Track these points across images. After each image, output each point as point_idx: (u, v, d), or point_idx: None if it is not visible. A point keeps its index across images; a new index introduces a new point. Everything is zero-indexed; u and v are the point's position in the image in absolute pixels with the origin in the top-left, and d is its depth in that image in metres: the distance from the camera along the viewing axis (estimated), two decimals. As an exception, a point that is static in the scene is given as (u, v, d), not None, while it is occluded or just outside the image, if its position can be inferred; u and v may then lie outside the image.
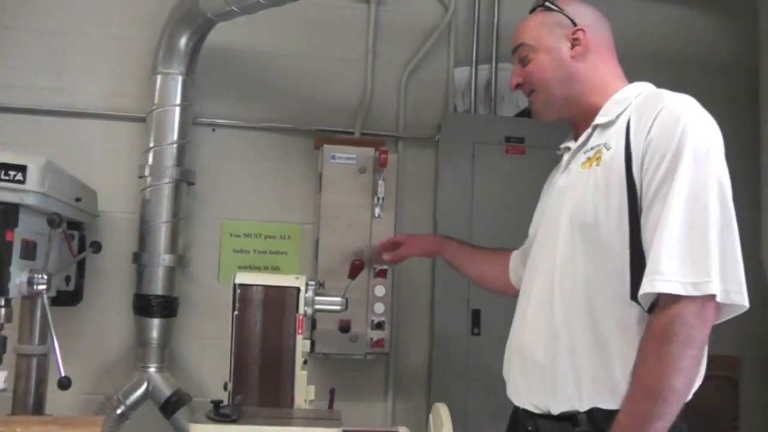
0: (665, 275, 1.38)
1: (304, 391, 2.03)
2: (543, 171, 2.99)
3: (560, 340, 1.54)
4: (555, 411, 1.55)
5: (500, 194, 2.95)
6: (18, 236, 1.87)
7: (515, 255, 2.08)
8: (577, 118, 1.71)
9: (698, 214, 1.40)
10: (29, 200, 1.86)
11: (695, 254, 1.38)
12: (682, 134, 1.44)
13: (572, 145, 1.70)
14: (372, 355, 2.84)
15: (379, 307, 2.79)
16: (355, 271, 2.34)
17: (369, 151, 2.82)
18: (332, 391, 2.31)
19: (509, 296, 2.05)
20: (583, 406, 1.51)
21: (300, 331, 2.03)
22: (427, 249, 2.35)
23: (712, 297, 1.37)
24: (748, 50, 3.17)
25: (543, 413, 1.58)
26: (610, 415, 1.47)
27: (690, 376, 1.38)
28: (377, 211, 2.79)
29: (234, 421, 1.72)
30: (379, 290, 2.79)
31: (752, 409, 3.12)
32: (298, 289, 2.06)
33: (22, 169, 1.84)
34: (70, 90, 2.88)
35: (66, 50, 2.89)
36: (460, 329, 2.88)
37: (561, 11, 1.71)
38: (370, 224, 2.78)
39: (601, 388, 1.50)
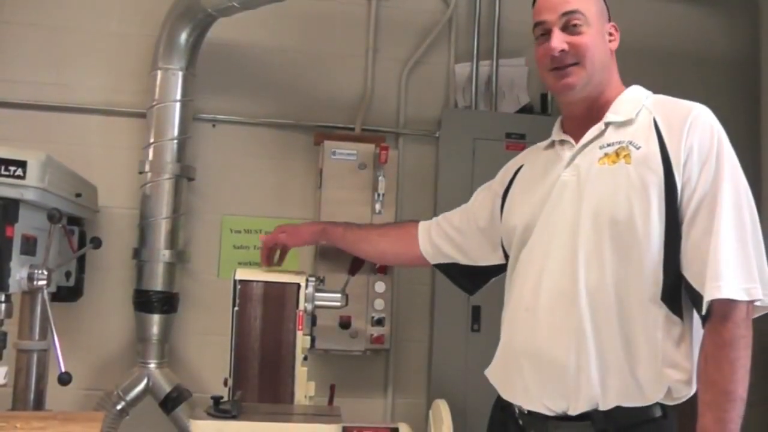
0: (727, 281, 1.44)
1: (304, 387, 2.03)
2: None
3: (586, 338, 1.52)
4: (574, 412, 1.54)
5: (501, 190, 2.95)
6: (18, 232, 1.87)
7: (425, 227, 2.09)
8: (587, 110, 1.68)
9: (741, 222, 1.48)
10: (29, 196, 1.85)
11: (744, 260, 1.46)
12: (718, 145, 1.52)
13: (569, 139, 1.69)
14: (372, 352, 2.84)
15: (380, 304, 2.79)
16: (355, 267, 2.34)
17: (369, 147, 2.82)
18: (332, 387, 2.31)
19: (414, 266, 2.21)
20: (607, 405, 1.52)
21: (300, 327, 2.03)
22: (305, 239, 2.29)
23: (754, 300, 1.46)
24: (748, 47, 3.17)
25: (558, 415, 1.56)
26: (631, 411, 1.51)
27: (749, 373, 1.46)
28: (377, 207, 2.79)
29: (234, 417, 1.73)
30: (380, 286, 2.79)
31: (752, 407, 3.12)
32: (298, 285, 2.06)
33: (22, 164, 1.83)
34: (70, 85, 2.87)
35: (66, 45, 2.88)
36: (460, 326, 2.88)
37: (605, 2, 1.72)
38: (370, 220, 2.78)
39: (627, 388, 1.51)
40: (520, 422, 1.65)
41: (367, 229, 2.29)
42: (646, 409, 1.51)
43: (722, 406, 1.43)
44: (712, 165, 1.50)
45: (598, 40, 1.65)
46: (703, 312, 1.47)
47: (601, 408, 1.52)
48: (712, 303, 1.45)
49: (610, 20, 1.70)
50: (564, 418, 1.56)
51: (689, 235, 1.50)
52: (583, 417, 1.54)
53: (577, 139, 1.67)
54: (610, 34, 1.69)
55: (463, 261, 2.01)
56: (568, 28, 1.63)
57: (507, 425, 1.69)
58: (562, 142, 1.71)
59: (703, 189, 1.50)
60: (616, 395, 1.52)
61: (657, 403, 1.51)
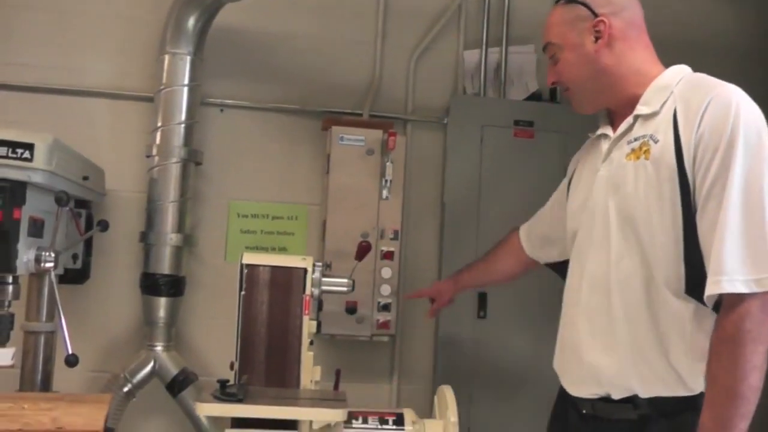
0: (730, 275, 1.38)
1: (310, 372, 2.03)
2: (551, 155, 2.99)
3: (620, 334, 1.55)
4: (616, 397, 1.58)
5: (508, 178, 2.94)
6: (25, 214, 1.87)
7: (524, 231, 2.13)
8: (617, 108, 1.68)
9: (753, 209, 1.40)
10: (37, 178, 1.86)
11: (755, 251, 1.39)
12: (733, 126, 1.43)
13: (609, 132, 1.68)
14: (378, 337, 2.84)
15: (386, 289, 2.79)
16: (362, 253, 2.33)
17: (377, 133, 2.81)
18: (338, 372, 2.31)
19: (533, 270, 2.15)
20: (645, 395, 1.54)
21: (306, 311, 2.03)
22: (450, 297, 2.37)
23: None
24: (761, 35, 3.14)
25: (602, 397, 1.60)
26: (670, 400, 1.51)
27: (763, 371, 1.38)
28: (385, 193, 2.79)
29: (240, 401, 1.73)
30: (386, 272, 2.79)
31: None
32: (305, 270, 2.05)
33: (29, 147, 1.83)
34: (78, 69, 2.87)
35: (74, 29, 2.88)
36: (465, 312, 2.88)
37: (581, 3, 1.66)
38: (377, 206, 2.78)
39: (662, 380, 1.52)
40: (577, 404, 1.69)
41: (479, 263, 2.32)
42: (690, 399, 1.50)
43: (722, 403, 1.38)
44: (723, 150, 1.42)
45: (574, 57, 1.68)
46: (710, 307, 1.45)
47: (640, 395, 1.54)
48: (721, 296, 1.41)
49: (597, 16, 1.64)
50: (607, 400, 1.59)
51: (701, 227, 1.46)
52: (625, 400, 1.56)
53: (615, 130, 1.67)
54: (597, 32, 1.64)
55: (562, 258, 1.97)
56: (552, 59, 1.74)
57: (567, 410, 1.73)
58: (604, 135, 1.71)
59: (712, 178, 1.43)
60: (652, 387, 1.53)
61: (702, 393, 1.47)
